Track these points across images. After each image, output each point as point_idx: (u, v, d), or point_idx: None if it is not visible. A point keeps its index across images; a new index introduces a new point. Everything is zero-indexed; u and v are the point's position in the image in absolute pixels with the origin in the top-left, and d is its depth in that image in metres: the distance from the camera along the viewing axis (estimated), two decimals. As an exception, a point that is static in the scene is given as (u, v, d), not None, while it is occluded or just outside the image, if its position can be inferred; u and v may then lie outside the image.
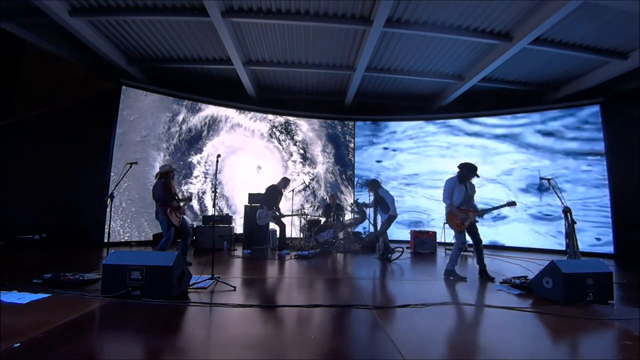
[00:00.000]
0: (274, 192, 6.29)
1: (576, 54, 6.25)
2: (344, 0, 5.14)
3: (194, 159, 8.04)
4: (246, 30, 6.03)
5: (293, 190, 7.42)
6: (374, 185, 6.01)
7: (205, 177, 8.12)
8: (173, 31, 6.10)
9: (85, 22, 5.69)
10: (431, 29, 5.76)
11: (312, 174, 8.97)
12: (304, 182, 7.52)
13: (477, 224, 4.34)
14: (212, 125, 8.36)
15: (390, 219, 5.75)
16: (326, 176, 9.17)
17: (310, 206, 7.84)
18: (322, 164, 9.19)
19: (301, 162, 9.03)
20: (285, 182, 6.57)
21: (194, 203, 7.84)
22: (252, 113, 8.83)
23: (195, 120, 8.14)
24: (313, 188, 7.96)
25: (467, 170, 4.35)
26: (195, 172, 8.02)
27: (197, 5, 5.26)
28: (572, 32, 5.71)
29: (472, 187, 4.46)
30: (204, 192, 8.04)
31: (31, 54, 6.91)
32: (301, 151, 9.13)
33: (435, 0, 5.08)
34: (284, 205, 6.80)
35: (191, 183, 7.89)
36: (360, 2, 5.19)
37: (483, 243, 4.35)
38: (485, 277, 4.16)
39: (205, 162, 8.17)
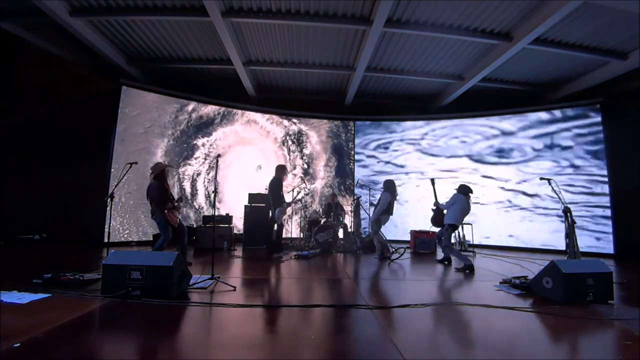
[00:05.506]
0: (278, 187, 6.09)
1: (576, 54, 6.25)
2: (344, 0, 5.14)
3: (200, 141, 8.09)
4: (246, 30, 6.03)
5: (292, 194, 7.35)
6: (385, 184, 6.01)
7: (205, 159, 8.17)
8: (173, 31, 6.10)
9: (86, 22, 5.69)
10: (431, 29, 5.76)
11: (308, 189, 8.81)
12: (301, 190, 7.38)
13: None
14: (227, 116, 8.47)
15: (377, 220, 5.87)
16: (323, 190, 9.17)
17: (301, 217, 7.83)
18: (322, 179, 9.21)
19: (301, 177, 8.99)
20: (282, 170, 6.28)
21: (186, 186, 7.88)
22: (268, 115, 8.94)
23: (208, 109, 8.25)
24: (306, 202, 7.99)
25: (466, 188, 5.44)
26: (197, 154, 8.07)
27: (197, 5, 5.26)
28: (572, 32, 5.71)
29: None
30: (199, 174, 8.06)
31: (31, 54, 6.92)
32: (305, 165, 9.14)
33: (435, 0, 5.08)
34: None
35: (189, 164, 7.92)
36: (360, 2, 5.19)
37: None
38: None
39: (211, 145, 8.22)
